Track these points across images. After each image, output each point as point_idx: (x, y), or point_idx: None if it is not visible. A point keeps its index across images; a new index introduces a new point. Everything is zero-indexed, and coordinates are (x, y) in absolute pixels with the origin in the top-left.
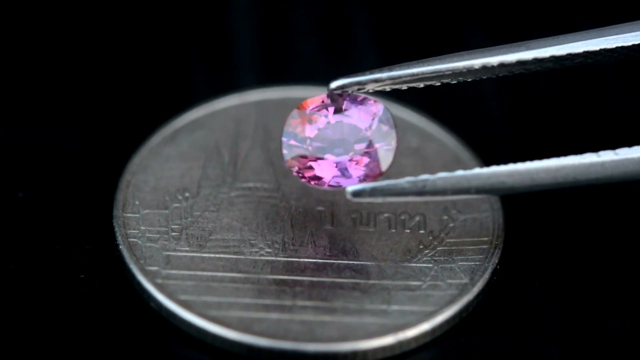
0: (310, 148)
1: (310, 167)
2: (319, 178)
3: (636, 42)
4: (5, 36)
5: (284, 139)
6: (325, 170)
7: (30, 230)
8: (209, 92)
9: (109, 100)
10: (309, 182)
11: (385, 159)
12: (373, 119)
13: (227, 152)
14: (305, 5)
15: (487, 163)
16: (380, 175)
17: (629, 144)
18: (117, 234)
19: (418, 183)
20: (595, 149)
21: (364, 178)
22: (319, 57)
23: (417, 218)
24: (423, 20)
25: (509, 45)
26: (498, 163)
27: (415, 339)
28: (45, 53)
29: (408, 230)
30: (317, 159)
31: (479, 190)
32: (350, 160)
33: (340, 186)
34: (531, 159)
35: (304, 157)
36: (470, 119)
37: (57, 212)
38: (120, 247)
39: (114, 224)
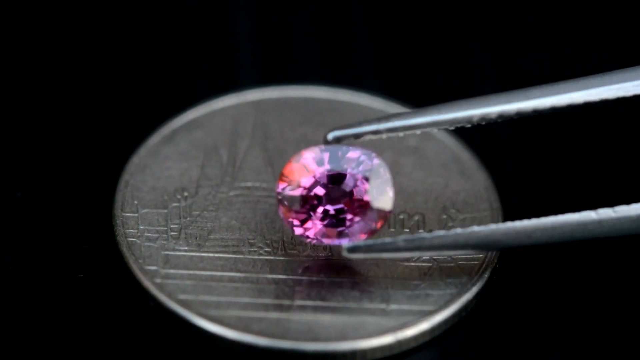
0: (306, 199)
1: (305, 218)
2: (314, 230)
3: (637, 92)
4: (5, 36)
5: (279, 189)
6: (320, 221)
7: (29, 230)
8: (207, 91)
9: (108, 100)
10: (303, 234)
11: (382, 211)
12: (369, 170)
13: (225, 152)
14: (304, 4)
15: (486, 163)
16: (377, 229)
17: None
18: (116, 233)
19: (414, 242)
20: (592, 147)
21: (361, 230)
22: (317, 56)
23: (416, 217)
24: (421, 19)
25: (508, 93)
26: (496, 162)
27: (415, 338)
28: (45, 52)
29: (407, 230)
30: (312, 211)
31: (475, 247)
32: (346, 211)
33: (335, 239)
34: (530, 159)
35: (299, 209)
36: None
37: (56, 212)
38: (119, 246)
39: (113, 223)
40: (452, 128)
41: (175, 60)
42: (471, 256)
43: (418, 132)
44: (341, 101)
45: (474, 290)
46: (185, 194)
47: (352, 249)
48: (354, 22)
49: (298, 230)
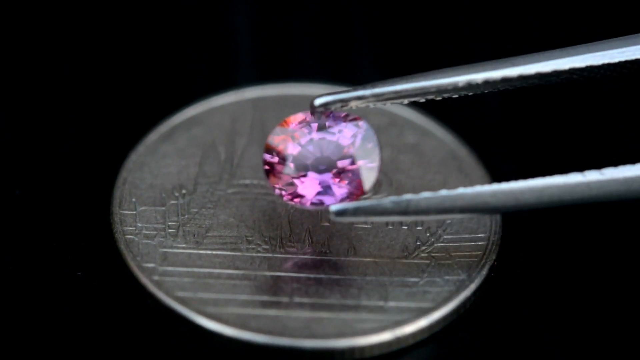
0: (292, 165)
1: (293, 185)
2: (301, 196)
3: (622, 59)
4: (5, 36)
5: (265, 156)
6: (308, 188)
7: (27, 228)
8: (206, 89)
9: (106, 97)
10: (291, 200)
11: (368, 178)
12: (356, 137)
13: (223, 149)
14: (303, 2)
15: (484, 159)
16: (363, 194)
17: (621, 139)
18: (114, 231)
19: (401, 203)
20: (591, 143)
21: (347, 196)
22: (316, 54)
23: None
24: (421, 19)
25: (494, 61)
26: (495, 160)
27: (413, 335)
28: (45, 50)
29: (405, 227)
30: (299, 176)
31: (463, 210)
32: (333, 178)
33: (323, 205)
34: (528, 156)
35: (286, 174)
36: (467, 115)
37: (54, 210)
38: (117, 244)
39: (111, 221)
40: (439, 98)
41: (174, 57)
42: (469, 253)
43: (405, 101)
44: None
45: (472, 287)
46: (183, 191)
47: (339, 212)
48: (353, 20)
49: (285, 197)
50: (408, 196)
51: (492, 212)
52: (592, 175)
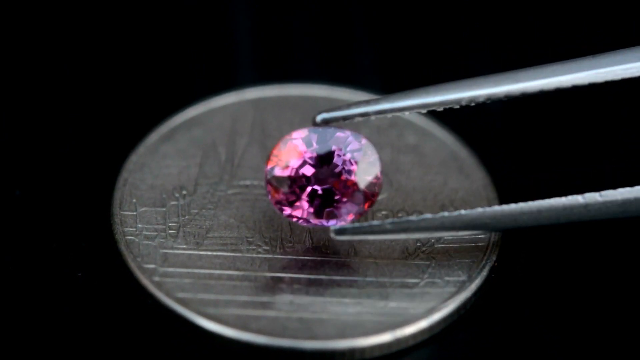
0: (294, 179)
1: (294, 200)
2: (302, 211)
3: (625, 76)
4: (5, 36)
5: (267, 170)
6: (309, 203)
7: (28, 228)
8: (206, 89)
9: (107, 98)
10: (291, 215)
11: (369, 193)
12: (358, 153)
13: (224, 150)
14: (303, 3)
15: (485, 160)
16: (365, 212)
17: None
18: (115, 231)
19: (401, 224)
20: (591, 143)
21: (349, 212)
22: (316, 55)
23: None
24: (422, 19)
25: (497, 76)
26: (495, 161)
27: (413, 336)
28: (45, 50)
29: None
30: (300, 191)
31: (462, 229)
32: (335, 193)
33: (323, 219)
34: (528, 156)
35: (287, 189)
36: (468, 116)
37: (55, 210)
38: (118, 245)
39: (112, 221)
40: (440, 109)
41: (175, 58)
42: (469, 253)
43: (407, 113)
44: (340, 99)
45: (473, 288)
46: (184, 192)
47: (339, 231)
48: (353, 21)
49: (286, 211)
50: (408, 218)
51: (491, 231)
52: (590, 198)
